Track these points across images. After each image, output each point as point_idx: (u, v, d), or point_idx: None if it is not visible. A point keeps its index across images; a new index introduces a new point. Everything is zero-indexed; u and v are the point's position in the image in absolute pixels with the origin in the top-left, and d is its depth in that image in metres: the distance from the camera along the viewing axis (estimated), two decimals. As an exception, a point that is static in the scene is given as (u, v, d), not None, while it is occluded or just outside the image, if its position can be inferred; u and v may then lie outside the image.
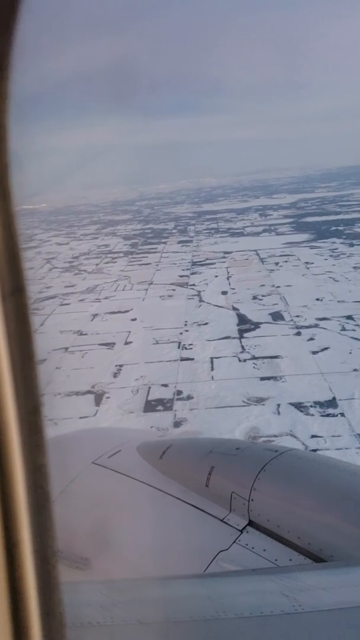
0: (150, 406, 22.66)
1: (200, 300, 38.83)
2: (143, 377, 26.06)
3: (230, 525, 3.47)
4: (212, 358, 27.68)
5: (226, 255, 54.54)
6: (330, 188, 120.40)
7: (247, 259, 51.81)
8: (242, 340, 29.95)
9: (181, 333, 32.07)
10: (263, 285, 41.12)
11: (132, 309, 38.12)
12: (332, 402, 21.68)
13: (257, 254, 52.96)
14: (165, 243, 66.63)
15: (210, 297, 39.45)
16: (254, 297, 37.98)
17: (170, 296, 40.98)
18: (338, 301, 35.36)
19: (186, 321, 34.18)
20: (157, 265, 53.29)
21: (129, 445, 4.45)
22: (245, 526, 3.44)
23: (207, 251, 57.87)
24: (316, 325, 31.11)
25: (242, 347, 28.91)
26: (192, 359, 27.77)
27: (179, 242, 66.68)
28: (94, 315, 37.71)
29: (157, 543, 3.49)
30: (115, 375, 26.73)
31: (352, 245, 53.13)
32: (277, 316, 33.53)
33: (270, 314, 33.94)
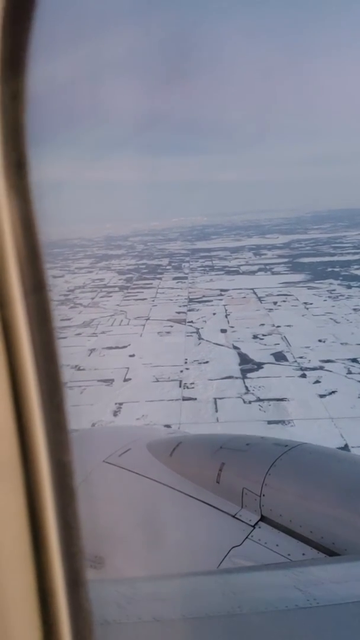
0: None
1: (200, 338, 38.08)
2: (144, 416, 24.96)
3: (242, 521, 3.44)
4: (215, 398, 26.71)
5: (223, 292, 54.21)
6: (323, 230, 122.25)
7: (244, 297, 51.48)
8: (246, 380, 29.08)
9: (182, 371, 31.14)
10: (263, 324, 40.57)
11: (129, 345, 37.21)
12: (344, 450, 20.75)
13: (255, 293, 52.69)
14: (160, 279, 66.31)
15: (209, 334, 38.74)
16: (255, 336, 37.34)
17: (168, 332, 40.21)
18: (341, 343, 34.81)
19: (186, 359, 33.30)
20: (153, 300, 52.70)
21: (139, 443, 4.38)
22: (258, 522, 3.40)
23: (204, 288, 57.55)
24: (321, 368, 30.40)
25: (246, 387, 28.02)
26: (195, 399, 26.78)
27: (174, 278, 66.44)
28: (91, 350, 36.70)
29: (169, 540, 3.44)
30: (115, 413, 25.61)
31: (350, 287, 53.16)
32: (280, 357, 32.80)
33: (273, 354, 33.22)
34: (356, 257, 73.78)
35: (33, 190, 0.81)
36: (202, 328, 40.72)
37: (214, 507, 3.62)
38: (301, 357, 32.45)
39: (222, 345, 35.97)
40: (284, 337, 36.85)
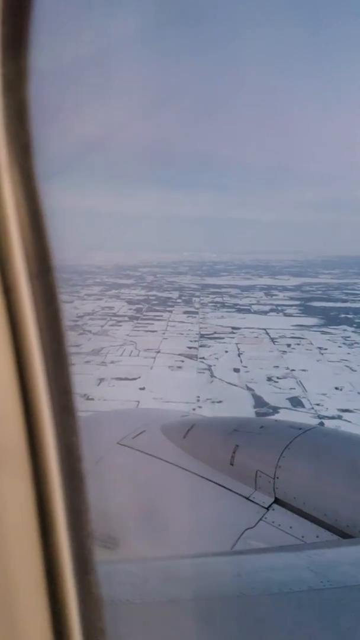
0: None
1: (212, 376, 37.05)
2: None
3: (256, 503, 3.43)
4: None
5: (235, 330, 53.35)
6: (334, 275, 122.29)
7: (257, 337, 50.60)
8: (261, 424, 27.93)
9: (194, 409, 29.95)
10: (277, 366, 39.56)
11: (140, 377, 36.15)
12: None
13: (267, 333, 51.83)
14: (170, 312, 65.60)
15: (222, 373, 37.70)
16: (269, 379, 36.30)
17: (179, 367, 39.19)
18: (358, 393, 33.72)
19: (198, 396, 32.18)
20: (163, 333, 51.83)
21: (153, 425, 4.37)
22: (271, 504, 3.40)
23: (215, 324, 56.73)
24: (339, 417, 29.27)
25: (262, 432, 26.86)
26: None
27: (185, 312, 65.72)
28: (101, 380, 35.65)
29: (184, 522, 3.44)
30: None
31: (364, 334, 52.29)
32: (296, 402, 31.69)
33: (289, 399, 32.12)
34: (369, 305, 73.16)
35: (38, 173, 0.79)
36: (214, 365, 39.72)
37: (228, 489, 3.61)
38: (318, 405, 31.33)
39: (235, 385, 34.90)
40: (300, 381, 35.80)
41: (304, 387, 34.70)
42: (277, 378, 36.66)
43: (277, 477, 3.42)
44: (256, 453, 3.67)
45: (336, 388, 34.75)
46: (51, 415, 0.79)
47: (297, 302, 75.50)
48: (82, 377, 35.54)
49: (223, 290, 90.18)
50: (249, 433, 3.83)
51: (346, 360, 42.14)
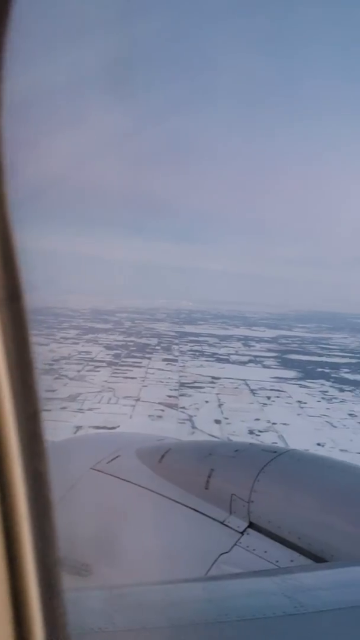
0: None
1: (193, 427, 36.38)
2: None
3: (231, 528, 3.40)
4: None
5: (215, 380, 52.98)
6: (308, 329, 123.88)
7: (236, 387, 50.30)
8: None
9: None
10: (258, 419, 39.16)
11: (119, 426, 35.14)
12: None
13: (247, 384, 51.61)
14: (149, 359, 64.98)
15: (203, 424, 37.06)
16: (251, 432, 35.83)
17: (159, 417, 38.42)
18: (340, 450, 33.43)
19: (180, 448, 31.39)
20: (143, 380, 51.07)
21: (128, 450, 4.29)
22: (246, 528, 3.36)
23: (195, 373, 56.30)
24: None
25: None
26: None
27: (164, 359, 65.18)
28: (78, 428, 34.48)
29: (158, 547, 3.41)
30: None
31: (342, 390, 52.58)
32: (279, 457, 31.19)
33: (272, 454, 31.60)
34: (344, 360, 74.02)
35: (9, 197, 0.78)
36: (195, 416, 39.09)
37: (203, 513, 3.56)
38: (302, 461, 30.88)
39: (217, 438, 34.19)
40: (281, 435, 35.42)
41: (285, 441, 34.29)
42: (259, 431, 36.25)
43: (252, 501, 3.40)
44: (231, 477, 3.65)
45: (318, 444, 34.44)
46: (18, 442, 0.78)
47: (275, 354, 75.85)
48: (58, 424, 34.35)
49: (201, 338, 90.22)
50: (224, 457, 3.81)
51: (326, 415, 42.08)
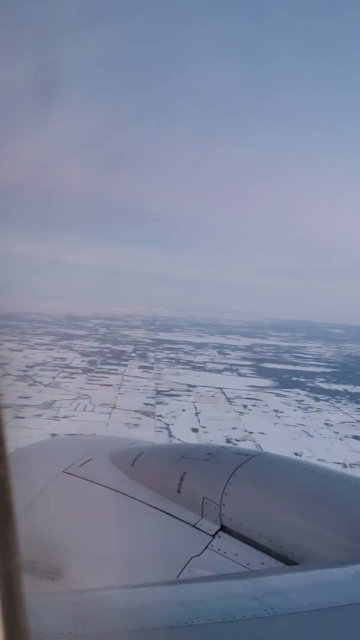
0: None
1: (170, 435, 36.02)
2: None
3: (202, 531, 3.42)
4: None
5: (191, 388, 52.74)
6: (283, 338, 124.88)
7: (213, 396, 50.15)
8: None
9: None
10: (235, 428, 39.05)
11: (95, 434, 34.54)
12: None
13: (223, 393, 51.53)
14: (125, 366, 64.39)
15: (180, 432, 36.75)
16: (228, 440, 35.61)
17: (136, 425, 37.96)
18: (318, 459, 33.47)
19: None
20: (119, 388, 50.51)
21: (100, 453, 4.28)
22: (217, 531, 3.38)
23: (171, 381, 55.97)
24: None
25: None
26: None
27: (140, 367, 64.70)
28: (53, 435, 33.74)
29: (129, 551, 3.41)
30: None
31: (317, 399, 52.96)
32: (257, 466, 31.08)
33: (249, 463, 31.47)
34: (319, 369, 74.71)
35: None
36: (172, 424, 38.77)
37: (175, 516, 3.57)
38: (279, 470, 30.83)
39: (194, 446, 33.99)
40: (258, 445, 35.31)
41: (263, 450, 34.18)
42: (237, 440, 36.09)
43: (224, 504, 3.40)
44: (203, 480, 3.64)
45: (295, 453, 34.44)
46: None
47: (250, 363, 76.09)
48: (32, 432, 33.58)
49: (177, 346, 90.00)
50: (196, 460, 3.80)
51: (302, 424, 42.25)
